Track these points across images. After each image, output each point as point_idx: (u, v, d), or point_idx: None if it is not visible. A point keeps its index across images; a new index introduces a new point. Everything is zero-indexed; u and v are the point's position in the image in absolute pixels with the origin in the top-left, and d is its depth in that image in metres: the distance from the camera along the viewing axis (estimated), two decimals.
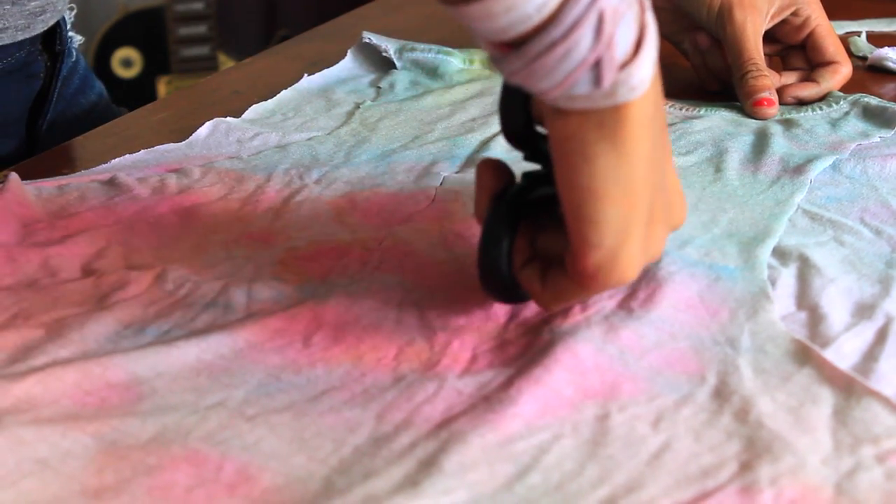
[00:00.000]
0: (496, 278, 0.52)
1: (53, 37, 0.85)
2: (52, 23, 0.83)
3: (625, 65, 0.45)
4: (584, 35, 0.44)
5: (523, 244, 0.52)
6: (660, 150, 0.49)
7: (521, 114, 0.50)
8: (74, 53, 0.89)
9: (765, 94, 0.78)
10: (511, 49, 0.45)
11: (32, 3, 0.80)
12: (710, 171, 0.70)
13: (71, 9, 0.88)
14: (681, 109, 0.80)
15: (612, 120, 0.47)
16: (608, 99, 0.46)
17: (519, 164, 0.53)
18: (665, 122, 0.51)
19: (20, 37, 0.80)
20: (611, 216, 0.47)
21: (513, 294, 0.53)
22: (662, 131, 0.50)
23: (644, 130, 0.47)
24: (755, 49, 0.80)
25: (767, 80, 0.79)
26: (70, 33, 0.88)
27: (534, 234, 0.52)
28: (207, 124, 0.77)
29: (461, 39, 0.92)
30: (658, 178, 0.49)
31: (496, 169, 0.53)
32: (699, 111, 0.80)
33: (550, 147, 0.49)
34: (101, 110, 0.92)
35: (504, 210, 0.51)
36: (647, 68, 0.46)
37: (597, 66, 0.45)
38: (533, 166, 0.53)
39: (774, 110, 0.78)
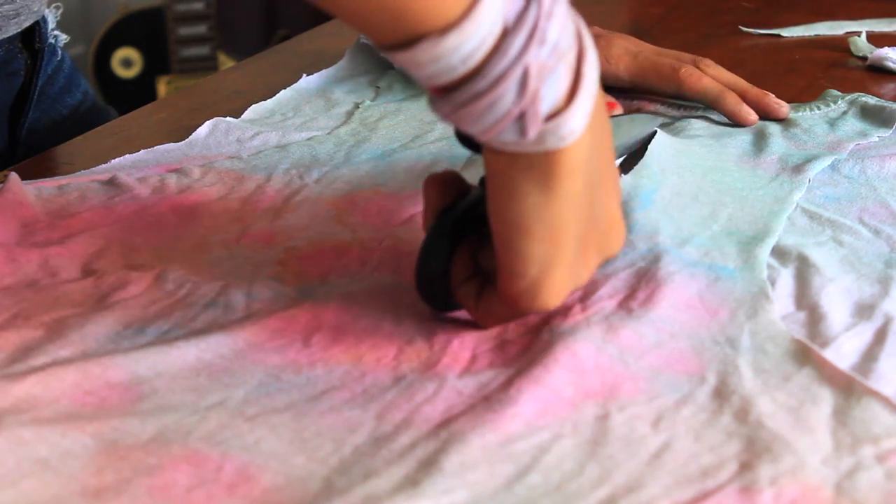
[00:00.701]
0: (429, 291, 0.53)
1: (32, 35, 0.85)
2: (26, 24, 0.83)
3: (553, 116, 0.46)
4: (508, 89, 0.44)
5: (464, 259, 0.52)
6: (595, 186, 0.50)
7: None
8: (59, 52, 0.89)
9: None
10: (442, 93, 0.46)
11: (5, 7, 0.80)
12: (711, 158, 0.70)
13: (57, 7, 0.88)
14: (680, 109, 0.80)
15: (541, 164, 0.47)
16: (537, 146, 0.46)
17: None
18: (609, 152, 0.51)
19: None
20: (534, 251, 0.48)
21: (447, 304, 0.53)
22: (601, 164, 0.50)
23: (574, 174, 0.48)
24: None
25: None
26: (55, 32, 0.88)
27: (480, 247, 0.52)
28: (207, 124, 0.77)
29: None
30: (590, 213, 0.50)
31: (442, 184, 0.53)
32: (699, 111, 0.80)
33: (486, 176, 0.49)
34: (86, 109, 0.92)
35: (447, 226, 0.52)
36: (579, 118, 0.46)
37: (521, 119, 0.45)
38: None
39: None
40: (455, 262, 0.52)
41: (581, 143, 0.47)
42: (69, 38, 0.90)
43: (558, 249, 0.49)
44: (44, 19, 0.86)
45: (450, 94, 0.45)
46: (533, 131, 0.45)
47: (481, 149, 0.50)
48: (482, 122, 0.46)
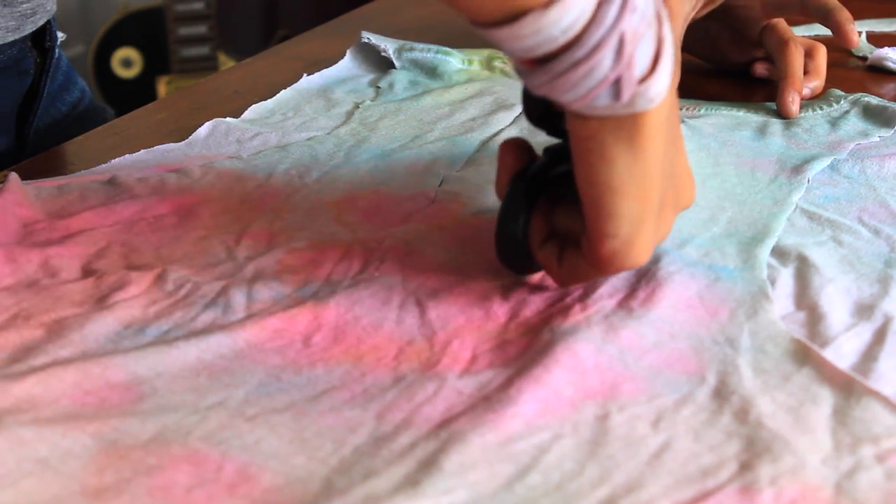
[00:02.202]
0: (510, 253, 0.55)
1: (43, 34, 0.86)
2: (41, 23, 0.83)
3: (643, 80, 0.48)
4: (606, 56, 0.46)
5: (540, 222, 0.54)
6: (672, 144, 0.52)
7: (540, 100, 0.53)
8: (57, 50, 0.89)
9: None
10: (537, 64, 0.48)
11: (24, 6, 0.80)
12: (709, 163, 0.70)
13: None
14: (681, 109, 0.80)
15: (630, 125, 0.49)
16: (627, 109, 0.48)
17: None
18: (678, 115, 0.54)
19: (10, 37, 0.80)
20: (626, 210, 0.50)
21: (526, 267, 0.56)
22: (675, 125, 0.53)
23: (659, 132, 0.50)
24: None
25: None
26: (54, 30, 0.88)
27: (552, 210, 0.55)
28: (207, 124, 0.77)
29: (460, 40, 0.92)
30: (669, 169, 0.52)
31: (517, 149, 0.55)
32: (699, 111, 0.80)
33: (571, 143, 0.51)
34: (84, 108, 0.92)
35: (522, 188, 0.54)
36: (663, 81, 0.48)
37: (617, 84, 0.47)
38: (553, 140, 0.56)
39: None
40: (531, 225, 0.54)
41: (664, 104, 0.50)
42: (66, 35, 0.90)
43: (647, 206, 0.51)
44: (53, 17, 0.86)
45: (546, 65, 0.47)
46: (627, 94, 0.47)
47: (550, 126, 0.53)
48: (578, 89, 0.47)
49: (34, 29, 0.83)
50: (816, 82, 0.83)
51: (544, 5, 0.45)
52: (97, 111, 0.94)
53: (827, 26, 0.84)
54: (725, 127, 0.77)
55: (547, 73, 0.47)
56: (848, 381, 0.48)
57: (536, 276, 0.56)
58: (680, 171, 0.54)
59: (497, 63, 0.89)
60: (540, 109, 0.54)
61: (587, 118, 0.49)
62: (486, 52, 0.90)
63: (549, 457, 0.44)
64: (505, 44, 0.47)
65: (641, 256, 0.51)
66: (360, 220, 0.63)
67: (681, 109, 0.80)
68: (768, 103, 0.81)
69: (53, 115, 0.88)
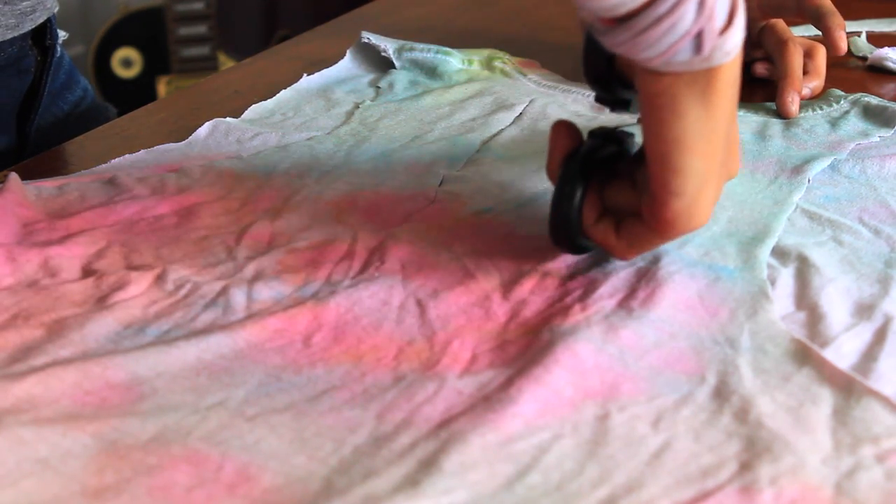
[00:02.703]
0: (566, 232, 0.56)
1: (44, 32, 0.85)
2: (41, 21, 0.83)
3: (722, 32, 0.48)
4: (689, 9, 0.47)
5: (594, 200, 0.56)
6: (735, 105, 0.54)
7: (603, 60, 0.54)
8: (59, 49, 0.89)
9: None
10: (616, 23, 0.48)
11: (24, 3, 0.80)
12: None
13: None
14: None
15: (704, 80, 0.50)
16: (704, 63, 0.49)
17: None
18: (739, 75, 0.54)
19: (10, 35, 0.80)
20: (694, 167, 0.51)
21: (580, 246, 0.57)
22: (738, 85, 0.54)
23: (730, 89, 0.51)
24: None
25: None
26: (56, 29, 0.88)
27: (602, 190, 0.56)
28: (207, 124, 0.77)
29: (460, 40, 0.92)
30: (730, 131, 0.53)
31: (568, 129, 0.57)
32: None
33: (640, 100, 0.52)
34: (86, 106, 0.92)
35: (576, 168, 0.55)
36: (739, 34, 0.49)
37: (698, 37, 0.48)
38: (601, 121, 0.57)
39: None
40: (585, 204, 0.55)
41: (737, 59, 0.50)
42: (68, 35, 0.90)
43: (713, 164, 0.52)
44: (53, 15, 0.86)
45: (628, 23, 0.48)
46: (708, 47, 0.48)
47: (610, 90, 0.55)
48: (659, 45, 0.48)
49: (34, 26, 0.83)
50: (816, 82, 0.83)
51: None
52: (99, 110, 0.94)
53: (819, 29, 0.84)
54: None
55: (629, 31, 0.48)
56: (848, 381, 0.48)
57: (533, 281, 0.56)
58: (734, 137, 0.55)
59: (497, 63, 0.89)
60: (602, 68, 0.55)
61: (661, 74, 0.50)
62: (486, 53, 0.90)
63: (549, 457, 0.44)
64: (589, 3, 0.48)
65: (704, 217, 0.52)
66: (360, 219, 0.63)
67: None
68: (768, 103, 0.81)
69: (55, 114, 0.88)
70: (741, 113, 0.79)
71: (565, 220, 0.56)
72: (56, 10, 0.87)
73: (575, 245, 0.57)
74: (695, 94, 0.50)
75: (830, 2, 0.84)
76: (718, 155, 0.52)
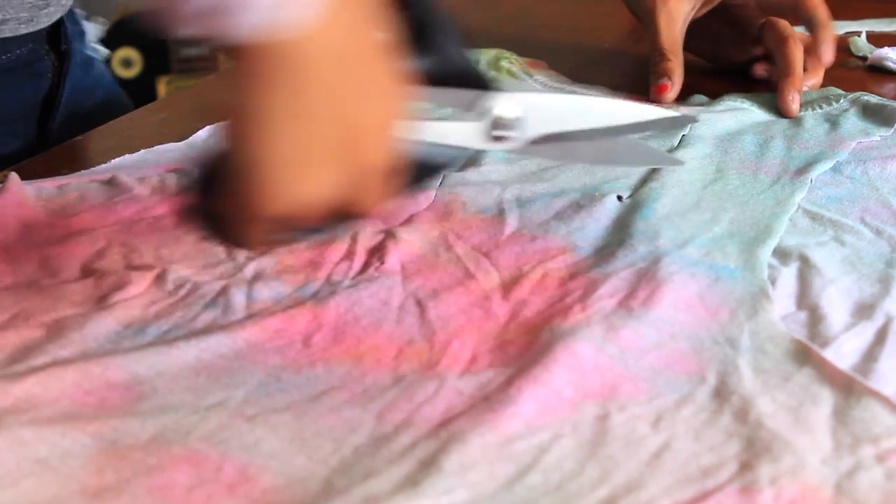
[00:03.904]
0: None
1: (58, 36, 0.85)
2: (56, 17, 0.83)
3: None
4: None
5: None
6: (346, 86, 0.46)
7: None
8: (82, 52, 0.88)
9: (663, 80, 0.82)
10: None
11: None
12: (711, 170, 0.70)
13: (104, 24, 0.88)
14: (701, 105, 0.81)
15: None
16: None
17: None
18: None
19: (23, 30, 0.79)
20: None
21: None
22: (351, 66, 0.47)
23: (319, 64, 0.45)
24: (667, 36, 0.84)
25: (670, 64, 0.83)
26: (94, 45, 0.88)
27: None
28: (207, 129, 0.77)
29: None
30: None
31: None
32: (718, 105, 0.80)
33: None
34: (112, 106, 0.92)
35: None
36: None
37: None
38: None
39: (671, 95, 0.82)
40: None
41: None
42: (109, 52, 0.90)
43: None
44: (71, 18, 0.86)
45: None
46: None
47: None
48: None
49: (49, 23, 0.82)
50: (814, 80, 0.83)
51: None
52: (124, 112, 0.93)
53: (811, 35, 0.84)
54: (727, 128, 0.77)
55: None
56: (848, 382, 0.48)
57: (533, 281, 0.56)
58: (361, 123, 0.47)
59: (504, 63, 0.89)
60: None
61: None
62: (492, 53, 0.90)
63: (549, 457, 0.44)
64: None
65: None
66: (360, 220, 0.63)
67: (701, 105, 0.81)
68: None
69: (83, 111, 0.87)
70: (746, 106, 0.80)
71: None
72: (70, 6, 0.86)
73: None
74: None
75: (826, 11, 0.84)
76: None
